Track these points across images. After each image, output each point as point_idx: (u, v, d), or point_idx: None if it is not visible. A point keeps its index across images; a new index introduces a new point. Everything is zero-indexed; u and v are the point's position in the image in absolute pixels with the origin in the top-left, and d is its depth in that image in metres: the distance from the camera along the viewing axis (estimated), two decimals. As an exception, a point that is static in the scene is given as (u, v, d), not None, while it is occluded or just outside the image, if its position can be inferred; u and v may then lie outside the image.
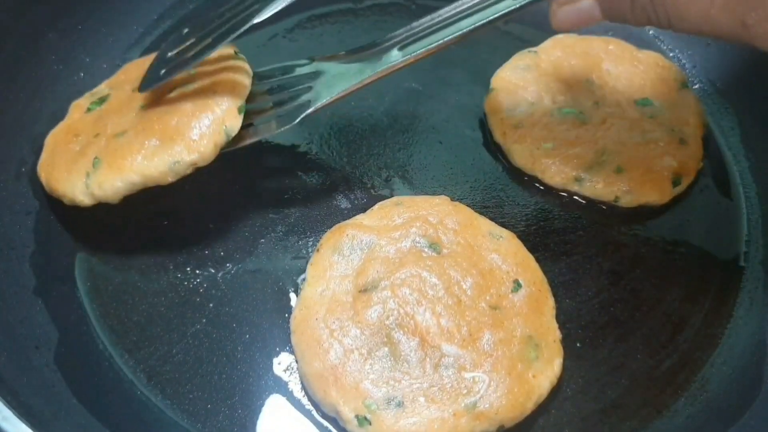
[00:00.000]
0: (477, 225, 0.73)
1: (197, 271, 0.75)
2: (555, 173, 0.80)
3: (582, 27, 0.65)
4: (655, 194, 0.79)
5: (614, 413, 0.68)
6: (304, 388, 0.67)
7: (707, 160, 0.85)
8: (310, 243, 0.77)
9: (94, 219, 0.76)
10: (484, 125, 0.87)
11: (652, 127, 0.82)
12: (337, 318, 0.66)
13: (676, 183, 0.79)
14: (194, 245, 0.76)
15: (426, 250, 0.71)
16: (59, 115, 0.85)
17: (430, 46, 0.72)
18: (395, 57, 0.74)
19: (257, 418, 0.66)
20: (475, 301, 0.67)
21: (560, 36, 0.91)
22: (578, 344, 0.71)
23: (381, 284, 0.68)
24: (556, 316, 0.70)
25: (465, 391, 0.63)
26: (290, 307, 0.72)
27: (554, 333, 0.68)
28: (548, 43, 0.91)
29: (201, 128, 0.70)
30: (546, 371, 0.66)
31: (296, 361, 0.67)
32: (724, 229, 0.81)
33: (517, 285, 0.69)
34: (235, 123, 0.71)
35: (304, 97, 0.76)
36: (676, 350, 0.71)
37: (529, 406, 0.64)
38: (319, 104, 0.74)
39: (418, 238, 0.71)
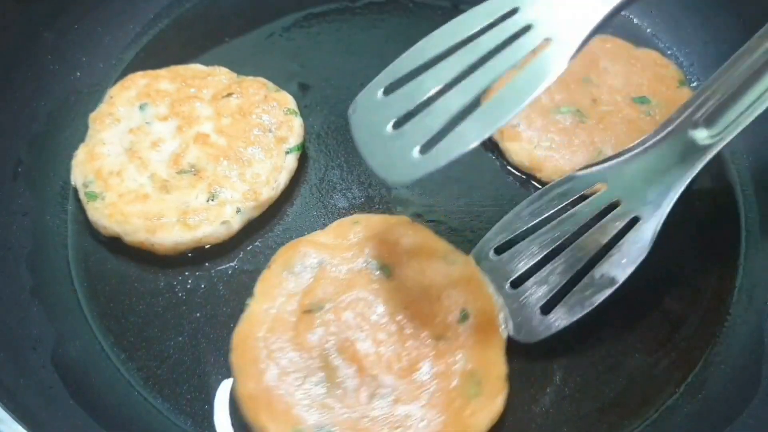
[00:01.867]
0: (433, 248, 0.71)
1: (194, 272, 0.75)
2: (552, 172, 0.80)
3: None
4: None
5: (612, 412, 0.68)
6: (238, 408, 0.64)
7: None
8: (308, 242, 0.77)
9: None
10: (481, 124, 0.86)
11: (649, 125, 0.82)
12: (278, 338, 0.64)
13: None
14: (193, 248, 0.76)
15: (376, 272, 0.68)
16: (56, 114, 0.85)
17: (751, 116, 0.59)
18: (704, 140, 0.61)
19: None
20: (419, 330, 0.65)
21: None
22: (576, 343, 0.71)
23: (326, 306, 0.66)
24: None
25: (397, 425, 0.60)
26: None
27: (500, 368, 0.65)
28: (546, 42, 0.90)
29: None
30: (486, 409, 0.63)
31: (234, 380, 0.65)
32: (721, 228, 0.80)
33: (465, 315, 0.66)
34: None
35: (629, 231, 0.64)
36: (674, 349, 0.71)
37: None
38: (657, 226, 0.63)
39: (369, 259, 0.69)
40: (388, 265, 0.69)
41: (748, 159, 0.85)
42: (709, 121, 0.62)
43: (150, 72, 0.85)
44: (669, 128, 0.64)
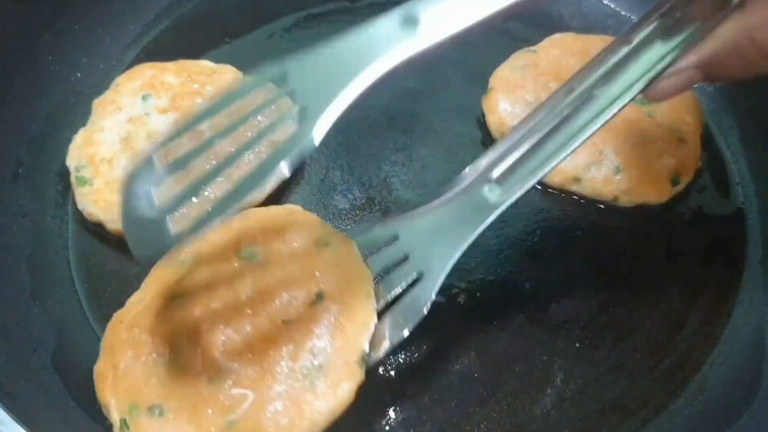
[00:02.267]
0: (310, 230, 0.69)
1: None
2: (554, 173, 0.79)
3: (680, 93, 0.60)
4: (653, 193, 0.79)
5: (613, 413, 0.68)
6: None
7: (706, 160, 0.84)
8: (309, 244, 0.77)
9: (91, 221, 0.76)
10: (482, 125, 0.86)
11: (650, 126, 0.82)
12: (140, 322, 0.65)
13: (674, 182, 0.79)
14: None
15: (244, 257, 0.67)
16: (56, 115, 0.85)
17: (536, 177, 0.62)
18: (495, 198, 0.63)
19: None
20: (272, 314, 0.64)
21: (558, 35, 0.91)
22: (577, 344, 0.71)
23: (192, 291, 0.65)
24: (556, 316, 0.69)
25: (230, 408, 0.60)
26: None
27: (351, 354, 0.62)
28: (546, 43, 0.90)
29: None
30: (327, 395, 0.61)
31: None
32: (722, 229, 0.80)
33: (320, 297, 0.64)
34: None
35: (416, 284, 0.66)
36: (675, 350, 0.71)
37: (299, 430, 0.60)
38: (437, 285, 0.64)
39: (242, 247, 0.68)
40: (258, 251, 0.68)
41: (749, 160, 0.85)
42: (501, 180, 0.64)
43: (158, 64, 0.86)
44: (464, 184, 0.66)
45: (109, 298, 0.73)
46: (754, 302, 0.75)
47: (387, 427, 0.66)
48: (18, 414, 0.57)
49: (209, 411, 0.60)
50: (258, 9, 0.98)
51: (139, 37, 0.95)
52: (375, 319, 0.65)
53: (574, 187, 0.80)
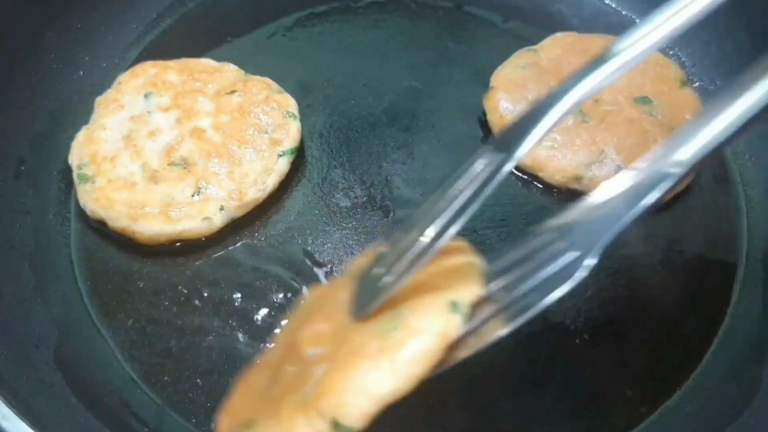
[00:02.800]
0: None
1: (197, 271, 0.75)
2: (554, 171, 0.80)
3: None
4: None
5: (613, 413, 0.68)
6: None
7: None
8: (310, 242, 0.77)
9: (93, 218, 0.76)
10: (483, 123, 0.86)
11: (651, 125, 0.82)
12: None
13: None
14: (194, 245, 0.76)
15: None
16: (58, 113, 0.85)
17: None
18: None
19: (257, 417, 0.66)
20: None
21: (560, 34, 0.91)
22: (577, 342, 0.71)
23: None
24: (556, 314, 0.69)
25: (303, 385, 0.50)
26: (288, 306, 0.72)
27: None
28: (548, 42, 0.90)
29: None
30: (409, 339, 0.47)
31: None
32: (724, 228, 0.80)
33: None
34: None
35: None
36: (674, 349, 0.72)
37: (358, 392, 0.46)
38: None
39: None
40: None
41: (751, 160, 0.85)
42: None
43: (160, 62, 0.86)
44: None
45: (111, 295, 0.74)
46: (755, 302, 0.75)
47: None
48: (20, 410, 0.57)
49: (287, 397, 0.51)
50: (260, 8, 0.98)
51: (141, 35, 0.95)
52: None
53: (575, 186, 0.80)
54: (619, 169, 0.79)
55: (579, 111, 0.83)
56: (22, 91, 0.83)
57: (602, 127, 0.82)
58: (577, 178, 0.79)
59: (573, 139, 0.81)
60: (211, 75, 0.84)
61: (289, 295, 0.73)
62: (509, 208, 0.80)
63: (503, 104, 0.84)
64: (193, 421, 0.67)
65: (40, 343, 0.69)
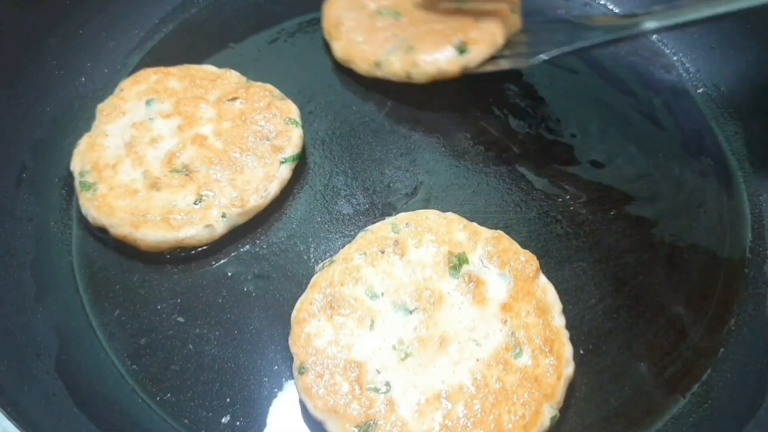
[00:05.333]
0: None
1: (199, 279, 0.75)
2: (360, 61, 0.88)
3: None
4: (442, 65, 0.84)
5: (618, 421, 0.67)
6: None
7: (712, 164, 0.84)
8: (312, 249, 0.77)
9: (95, 225, 0.76)
10: (486, 131, 0.86)
11: (453, 17, 0.87)
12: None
13: (462, 51, 0.84)
14: (196, 253, 0.76)
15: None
16: (60, 120, 0.85)
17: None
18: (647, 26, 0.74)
19: (258, 426, 0.66)
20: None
21: None
22: (582, 351, 0.71)
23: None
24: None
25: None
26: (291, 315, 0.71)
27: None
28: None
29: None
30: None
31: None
32: (727, 234, 0.80)
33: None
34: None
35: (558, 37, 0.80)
36: (680, 357, 0.71)
37: None
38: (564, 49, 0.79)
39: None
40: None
41: (754, 165, 0.85)
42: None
43: (162, 69, 0.86)
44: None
45: (112, 302, 0.73)
46: (759, 308, 0.74)
47: None
48: (21, 419, 0.57)
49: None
50: (261, 14, 0.98)
51: (143, 41, 0.95)
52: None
53: (378, 73, 0.87)
54: (411, 48, 0.84)
55: (396, 12, 0.90)
56: (23, 98, 0.83)
57: (413, 25, 0.88)
58: (377, 65, 0.86)
59: (380, 34, 0.88)
60: (213, 81, 0.84)
61: (292, 302, 0.73)
62: (512, 214, 0.80)
63: (340, 12, 0.91)
64: (195, 430, 0.66)
65: (41, 351, 0.69)
